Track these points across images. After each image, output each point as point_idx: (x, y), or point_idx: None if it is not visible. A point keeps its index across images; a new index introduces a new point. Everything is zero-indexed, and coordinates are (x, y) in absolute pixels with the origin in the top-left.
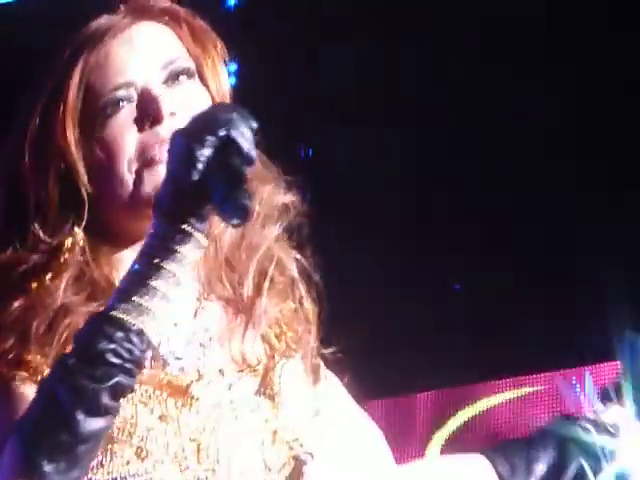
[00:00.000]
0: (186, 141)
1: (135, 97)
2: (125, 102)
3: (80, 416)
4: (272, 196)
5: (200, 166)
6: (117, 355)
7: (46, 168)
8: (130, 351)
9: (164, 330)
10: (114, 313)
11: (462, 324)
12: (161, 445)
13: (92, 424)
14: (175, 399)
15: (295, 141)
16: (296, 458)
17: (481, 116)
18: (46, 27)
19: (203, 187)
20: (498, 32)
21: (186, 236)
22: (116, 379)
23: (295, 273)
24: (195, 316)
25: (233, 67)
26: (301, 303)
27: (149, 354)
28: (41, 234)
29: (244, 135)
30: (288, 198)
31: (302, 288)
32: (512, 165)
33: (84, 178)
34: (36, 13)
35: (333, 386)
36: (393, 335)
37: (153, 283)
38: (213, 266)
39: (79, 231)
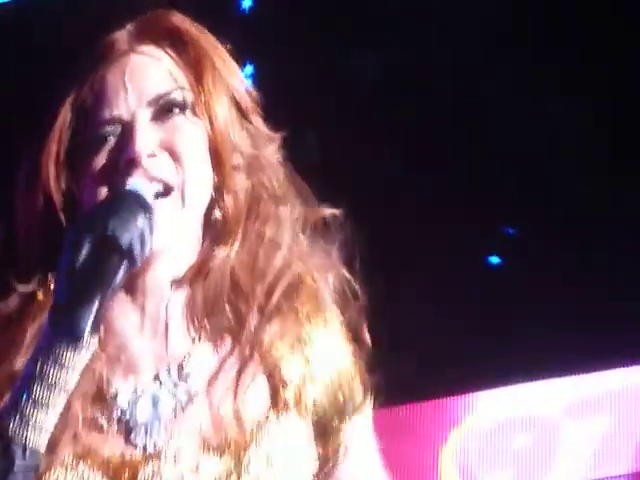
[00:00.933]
0: (71, 236)
1: (119, 133)
2: (112, 136)
3: None
4: (289, 214)
5: (78, 264)
6: None
7: (31, 200)
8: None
9: (127, 397)
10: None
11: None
12: None
13: None
14: None
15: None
16: None
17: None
18: (46, 27)
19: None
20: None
21: (71, 345)
22: None
23: (326, 296)
24: (179, 373)
25: (250, 69)
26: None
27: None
28: (15, 282)
29: (118, 238)
30: (317, 213)
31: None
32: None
33: (61, 215)
34: (36, 13)
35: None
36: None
37: (37, 391)
38: (213, 293)
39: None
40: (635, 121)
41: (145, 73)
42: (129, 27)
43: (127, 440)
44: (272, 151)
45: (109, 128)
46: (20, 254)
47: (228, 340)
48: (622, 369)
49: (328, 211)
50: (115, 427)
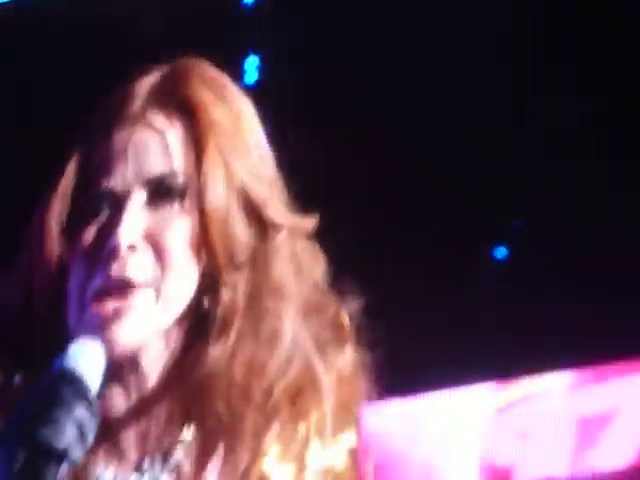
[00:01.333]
0: (3, 446)
1: (111, 209)
2: (105, 209)
3: None
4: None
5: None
6: None
7: (26, 275)
8: None
9: None
10: None
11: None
12: None
13: None
14: None
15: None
16: None
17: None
18: (46, 27)
19: None
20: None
21: None
22: None
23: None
24: (163, 464)
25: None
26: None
27: None
28: None
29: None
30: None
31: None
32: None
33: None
34: (36, 13)
35: None
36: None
37: None
38: (208, 391)
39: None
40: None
41: (147, 148)
42: (148, 83)
43: None
44: (280, 241)
45: (103, 200)
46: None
47: (220, 441)
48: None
49: (336, 304)
50: None
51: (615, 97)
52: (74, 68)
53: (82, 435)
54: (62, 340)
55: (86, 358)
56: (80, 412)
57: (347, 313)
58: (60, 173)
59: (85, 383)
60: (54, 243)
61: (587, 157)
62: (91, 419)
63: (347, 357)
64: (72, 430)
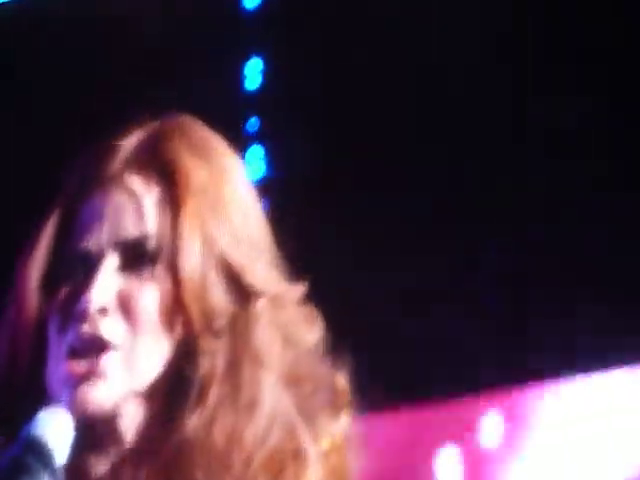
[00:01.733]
0: None
1: (85, 270)
2: (80, 268)
3: None
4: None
5: None
6: None
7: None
8: None
9: None
10: None
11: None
12: None
13: None
14: None
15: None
16: None
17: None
18: (46, 27)
19: None
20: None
21: None
22: None
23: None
24: None
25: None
26: None
27: None
28: None
29: None
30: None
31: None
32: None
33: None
34: (36, 13)
35: None
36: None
37: None
38: (185, 464)
39: None
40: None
41: (123, 212)
42: (130, 143)
43: None
44: (261, 309)
45: (79, 261)
46: None
47: None
48: None
49: (329, 370)
50: None
51: (615, 97)
52: (74, 68)
53: None
54: (41, 401)
55: (54, 427)
56: None
57: (344, 378)
58: (42, 226)
59: (51, 452)
60: (33, 298)
61: (587, 157)
62: None
63: (342, 423)
64: None
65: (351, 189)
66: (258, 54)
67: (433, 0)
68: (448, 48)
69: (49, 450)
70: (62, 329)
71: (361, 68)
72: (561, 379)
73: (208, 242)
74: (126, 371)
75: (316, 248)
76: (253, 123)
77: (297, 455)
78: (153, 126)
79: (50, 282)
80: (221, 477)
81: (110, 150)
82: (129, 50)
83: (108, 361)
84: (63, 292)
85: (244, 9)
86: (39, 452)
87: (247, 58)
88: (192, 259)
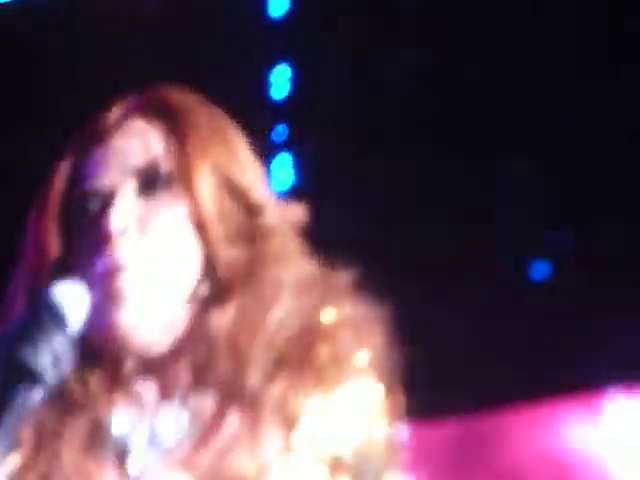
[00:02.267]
0: None
1: (100, 206)
2: (94, 209)
3: None
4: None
5: None
6: None
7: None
8: None
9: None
10: None
11: None
12: None
13: None
14: None
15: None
16: None
17: None
18: (46, 27)
19: None
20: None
21: None
22: None
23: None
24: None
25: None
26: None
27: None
28: None
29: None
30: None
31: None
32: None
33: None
34: (36, 13)
35: None
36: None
37: None
38: (206, 358)
39: None
40: None
41: (129, 147)
42: (123, 104)
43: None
44: (273, 220)
45: (92, 200)
46: None
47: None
48: None
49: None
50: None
51: None
52: (74, 68)
53: (56, 362)
54: None
55: (70, 296)
56: (57, 342)
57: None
58: (50, 181)
59: (66, 317)
60: (53, 238)
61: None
62: (66, 350)
63: (348, 310)
64: (47, 357)
65: (381, 195)
66: (285, 62)
67: (463, 6)
68: (479, 57)
69: (64, 314)
70: (84, 255)
71: (388, 75)
72: None
73: (215, 166)
74: (147, 290)
75: (348, 254)
76: (281, 131)
77: (318, 333)
78: (153, 88)
79: (67, 218)
80: (243, 364)
81: (112, 106)
82: (156, 58)
83: (127, 282)
84: (82, 222)
85: (270, 17)
86: (54, 314)
87: (274, 66)
88: (205, 180)
